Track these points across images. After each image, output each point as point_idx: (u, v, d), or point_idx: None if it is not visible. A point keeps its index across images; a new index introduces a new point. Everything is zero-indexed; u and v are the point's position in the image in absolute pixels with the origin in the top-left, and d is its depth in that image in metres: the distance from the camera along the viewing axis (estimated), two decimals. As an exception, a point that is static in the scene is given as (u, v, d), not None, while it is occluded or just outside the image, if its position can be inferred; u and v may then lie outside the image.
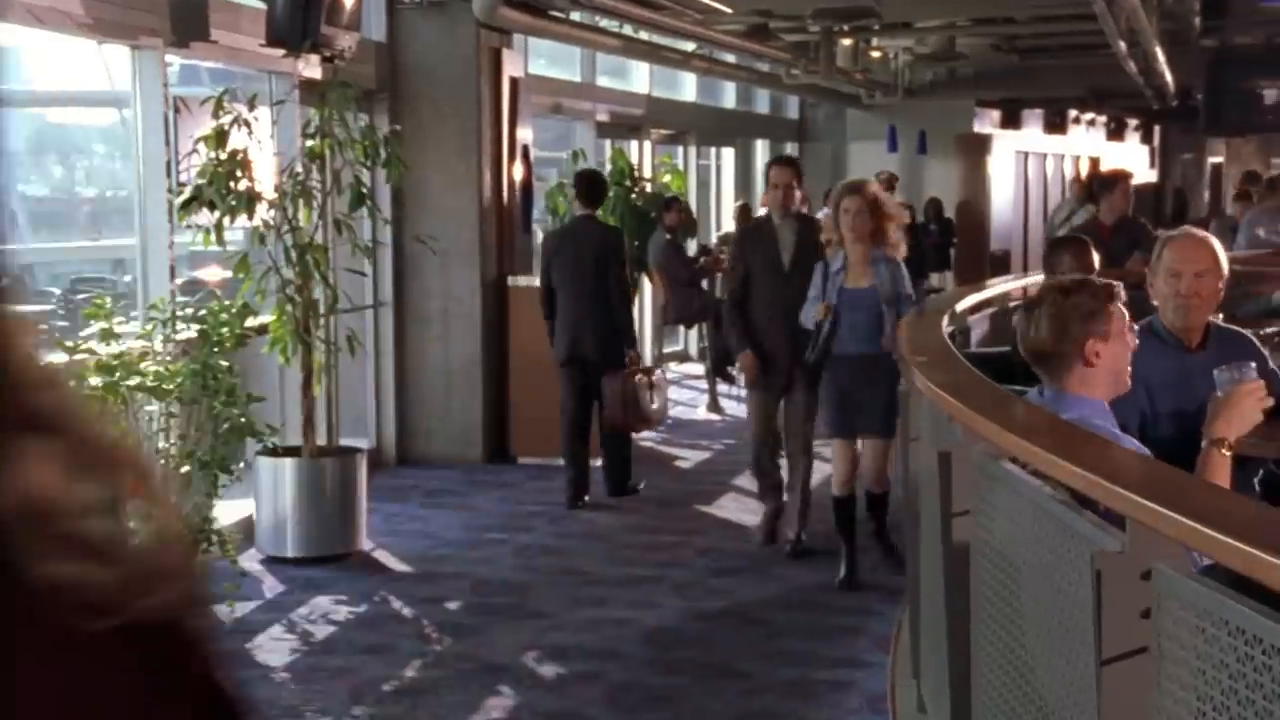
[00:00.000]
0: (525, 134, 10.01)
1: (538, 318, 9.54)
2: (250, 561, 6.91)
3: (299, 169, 7.11)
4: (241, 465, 6.48)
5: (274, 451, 7.09)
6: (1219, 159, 28.51)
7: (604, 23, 11.76)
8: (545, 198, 10.53)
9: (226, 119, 6.70)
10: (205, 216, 6.71)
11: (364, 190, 7.30)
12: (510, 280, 9.69)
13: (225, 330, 6.42)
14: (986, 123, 19.66)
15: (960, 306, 7.32)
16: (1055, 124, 22.39)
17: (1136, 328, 3.53)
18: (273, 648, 5.80)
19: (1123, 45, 12.72)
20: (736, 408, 10.99)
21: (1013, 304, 8.82)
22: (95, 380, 5.84)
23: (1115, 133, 25.69)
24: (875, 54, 16.23)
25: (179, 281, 7.00)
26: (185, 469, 6.09)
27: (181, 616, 0.62)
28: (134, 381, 5.98)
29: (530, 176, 10.09)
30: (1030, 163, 21.59)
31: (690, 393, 12.49)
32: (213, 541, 6.08)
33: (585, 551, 7.37)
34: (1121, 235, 8.85)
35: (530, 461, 9.53)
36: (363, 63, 8.58)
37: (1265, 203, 11.87)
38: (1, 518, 0.57)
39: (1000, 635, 2.94)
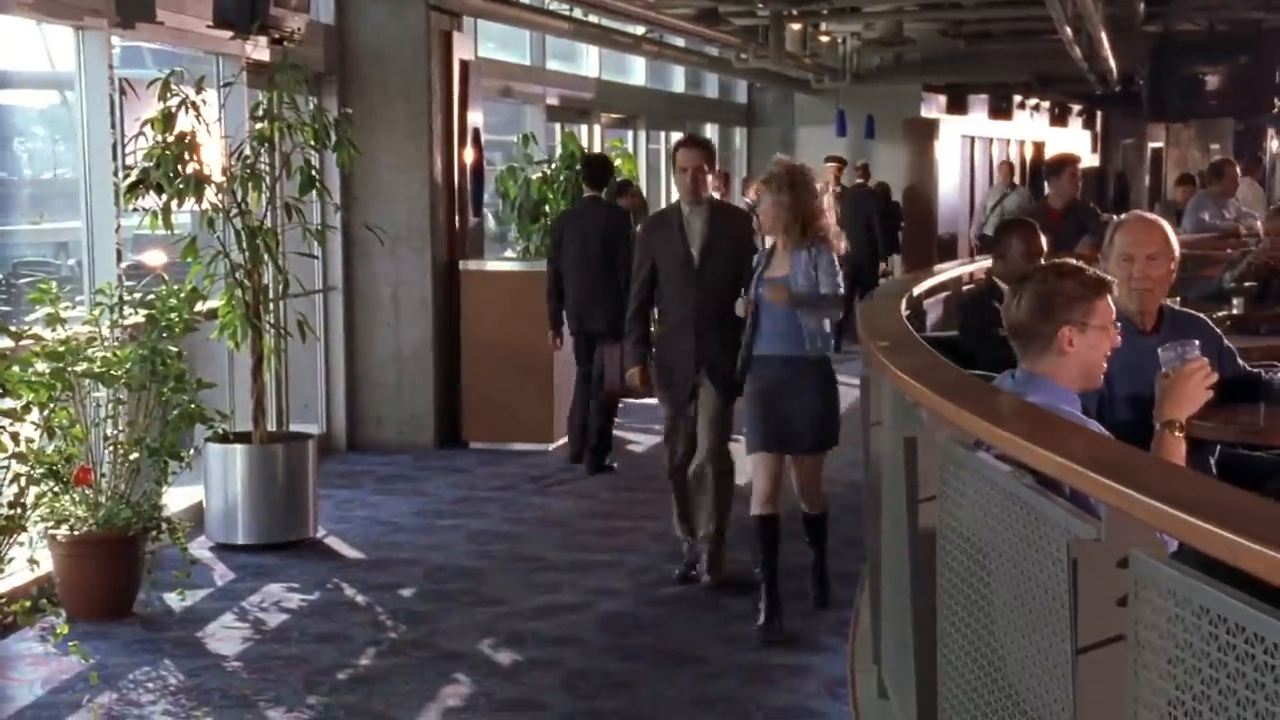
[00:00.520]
0: (476, 117, 9.94)
1: (489, 301, 9.52)
2: (200, 549, 6.82)
3: (248, 152, 7.02)
4: (191, 452, 6.41)
5: (224, 438, 7.02)
6: (1159, 144, 28.82)
7: (554, 6, 11.71)
8: (495, 181, 10.46)
9: (174, 101, 6.60)
10: (152, 200, 6.62)
11: (314, 174, 7.23)
12: (461, 264, 9.64)
13: (174, 315, 6.33)
14: (933, 108, 19.76)
15: (917, 290, 7.33)
16: (1000, 109, 22.57)
17: (1118, 324, 3.50)
18: (224, 636, 5.73)
19: (1068, 30, 12.82)
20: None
21: (964, 288, 8.87)
22: (42, 366, 5.75)
23: (1059, 118, 25.92)
24: (824, 38, 16.28)
25: (123, 266, 6.90)
26: (134, 456, 6.01)
27: None
28: (81, 367, 5.89)
29: (481, 160, 10.03)
30: (976, 147, 21.73)
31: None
32: (162, 529, 6.01)
33: (539, 537, 7.34)
34: (1070, 220, 8.91)
35: (482, 446, 9.50)
36: (311, 45, 8.48)
37: (1211, 187, 11.99)
38: None
39: (968, 622, 2.93)
